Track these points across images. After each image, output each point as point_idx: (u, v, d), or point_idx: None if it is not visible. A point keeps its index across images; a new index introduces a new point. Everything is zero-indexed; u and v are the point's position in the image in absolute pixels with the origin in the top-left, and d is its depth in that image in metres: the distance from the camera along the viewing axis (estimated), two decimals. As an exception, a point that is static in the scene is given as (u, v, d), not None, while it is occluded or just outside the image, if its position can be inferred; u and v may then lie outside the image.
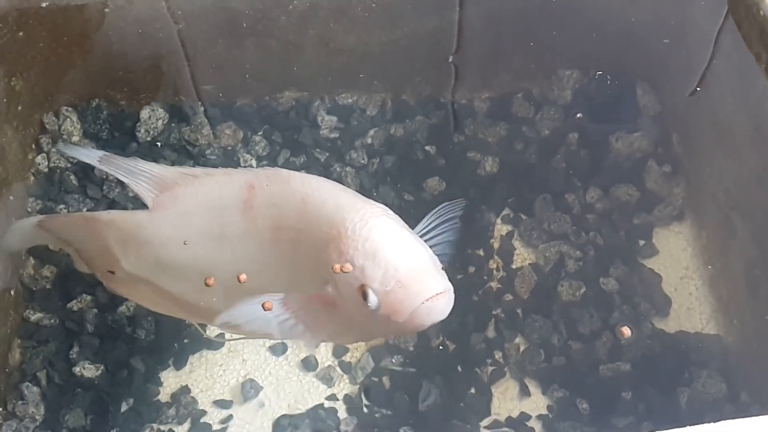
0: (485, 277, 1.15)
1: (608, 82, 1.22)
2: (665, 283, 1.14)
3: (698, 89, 1.15)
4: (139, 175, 0.86)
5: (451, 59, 1.19)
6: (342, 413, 1.06)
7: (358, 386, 1.08)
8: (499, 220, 1.20)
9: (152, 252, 0.87)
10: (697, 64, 1.14)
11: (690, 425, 0.64)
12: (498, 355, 1.09)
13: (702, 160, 1.17)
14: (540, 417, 1.06)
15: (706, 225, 1.17)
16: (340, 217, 0.74)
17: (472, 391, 1.07)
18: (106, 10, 1.15)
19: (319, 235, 0.75)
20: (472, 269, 1.16)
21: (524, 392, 1.07)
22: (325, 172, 1.21)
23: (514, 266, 1.17)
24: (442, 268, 0.75)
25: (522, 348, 1.10)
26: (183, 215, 0.85)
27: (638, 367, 1.07)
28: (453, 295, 0.73)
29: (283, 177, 0.81)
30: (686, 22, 1.15)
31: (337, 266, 0.73)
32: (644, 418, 1.03)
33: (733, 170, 1.10)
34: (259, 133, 1.24)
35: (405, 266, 0.71)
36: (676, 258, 1.17)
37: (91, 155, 0.90)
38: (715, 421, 0.65)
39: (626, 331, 1.05)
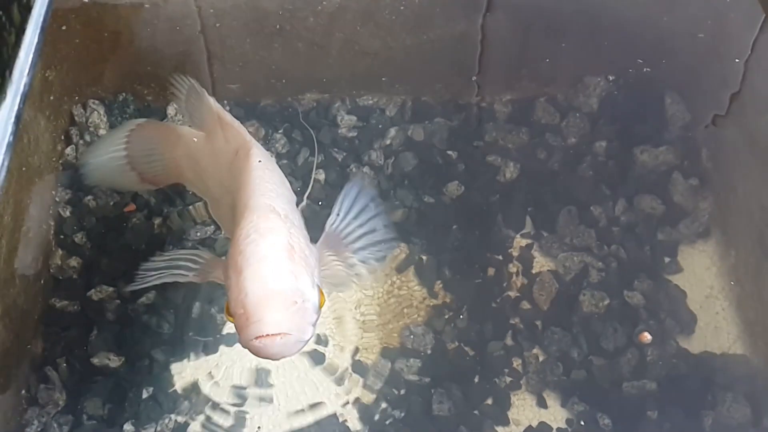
0: (504, 284, 1.12)
1: (634, 89, 1.18)
2: (690, 300, 1.10)
3: (730, 102, 1.11)
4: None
5: (475, 78, 1.17)
6: (353, 416, 1.04)
7: (372, 391, 1.06)
8: (518, 236, 1.17)
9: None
10: (731, 76, 1.10)
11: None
12: (517, 362, 1.06)
13: (734, 176, 1.12)
14: (559, 430, 1.03)
15: (735, 243, 1.12)
16: (239, 213, 0.72)
17: (489, 401, 1.05)
18: (142, 8, 1.15)
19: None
20: (491, 271, 1.13)
21: (542, 404, 1.04)
22: (343, 172, 1.20)
23: (534, 271, 1.13)
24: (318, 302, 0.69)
25: (541, 359, 1.07)
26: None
27: (662, 386, 1.03)
28: (299, 339, 0.66)
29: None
30: (720, 32, 1.11)
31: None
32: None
33: (770, 188, 1.05)
34: (280, 131, 1.24)
35: (252, 295, 0.65)
36: (699, 276, 1.12)
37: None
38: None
39: (646, 336, 1.02)
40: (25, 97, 0.89)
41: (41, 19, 0.94)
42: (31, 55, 0.91)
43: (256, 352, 0.67)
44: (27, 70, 0.90)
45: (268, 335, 0.64)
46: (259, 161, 0.79)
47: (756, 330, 1.05)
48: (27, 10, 0.93)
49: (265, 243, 0.68)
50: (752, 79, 1.08)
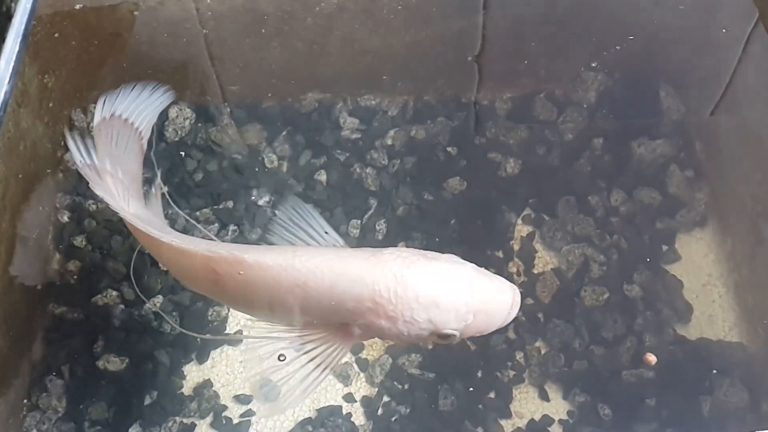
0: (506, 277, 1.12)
1: (630, 83, 1.19)
2: (687, 290, 1.10)
3: (723, 95, 1.12)
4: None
5: (470, 58, 1.17)
6: (358, 413, 1.03)
7: (375, 386, 1.05)
8: (519, 221, 1.16)
9: None
10: (724, 70, 1.11)
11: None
12: (519, 355, 1.06)
13: (727, 166, 1.13)
14: (561, 422, 1.02)
15: (731, 232, 1.12)
16: (368, 290, 0.70)
17: (492, 395, 1.04)
18: (139, 11, 1.14)
19: (342, 313, 0.72)
20: (494, 266, 1.12)
21: (544, 396, 1.04)
22: (346, 172, 1.19)
23: (535, 271, 1.13)
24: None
25: (543, 351, 1.07)
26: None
27: (660, 374, 1.03)
28: (515, 288, 0.73)
29: (250, 265, 0.73)
30: (713, 27, 1.12)
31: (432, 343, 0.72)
32: (666, 426, 0.99)
33: (761, 177, 1.06)
34: (283, 134, 1.23)
35: (470, 297, 0.70)
36: (698, 264, 1.13)
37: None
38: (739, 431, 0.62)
39: (652, 358, 1.02)
40: (6, 105, 0.88)
41: (22, 27, 0.94)
42: (12, 64, 0.91)
43: (510, 316, 0.72)
44: (8, 79, 0.90)
45: (511, 300, 0.71)
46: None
47: (753, 316, 1.06)
48: (7, 18, 0.93)
49: (416, 269, 0.71)
50: (744, 71, 1.10)
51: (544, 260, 1.14)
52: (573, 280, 1.11)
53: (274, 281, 0.72)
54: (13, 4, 1.00)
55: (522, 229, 1.16)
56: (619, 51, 1.18)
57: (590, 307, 1.08)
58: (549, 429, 1.02)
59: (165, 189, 1.09)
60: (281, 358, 0.93)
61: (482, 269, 0.73)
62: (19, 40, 0.94)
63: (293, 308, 0.73)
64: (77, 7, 1.12)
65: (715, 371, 1.02)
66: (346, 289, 0.71)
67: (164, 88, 0.88)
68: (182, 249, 0.75)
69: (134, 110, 0.87)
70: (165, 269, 1.09)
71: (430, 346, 0.99)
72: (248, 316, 0.87)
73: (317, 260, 0.72)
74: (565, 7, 1.15)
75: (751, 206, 1.08)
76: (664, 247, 1.14)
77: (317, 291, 0.71)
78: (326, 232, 0.79)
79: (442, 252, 0.74)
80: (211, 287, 0.77)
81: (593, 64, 1.19)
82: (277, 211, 0.80)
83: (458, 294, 0.70)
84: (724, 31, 1.09)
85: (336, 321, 0.74)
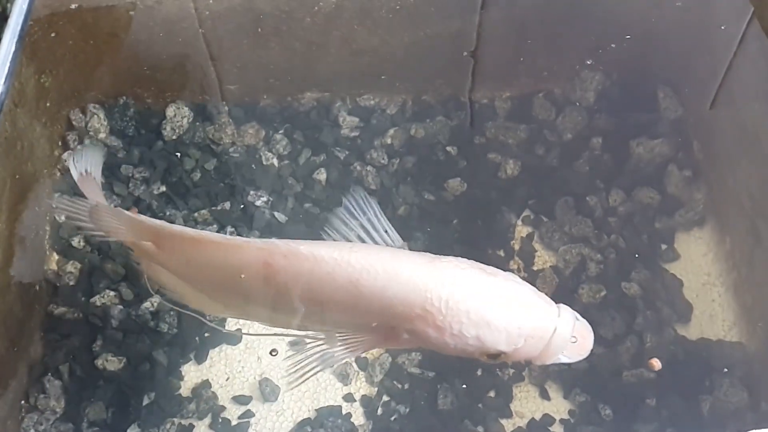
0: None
1: (628, 83, 1.19)
2: (687, 289, 1.10)
3: (720, 95, 1.12)
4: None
5: (465, 53, 1.16)
6: (357, 412, 1.03)
7: (375, 386, 1.05)
8: (519, 221, 1.16)
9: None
10: (721, 69, 1.11)
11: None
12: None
13: (725, 166, 1.13)
14: (562, 421, 1.02)
15: (730, 231, 1.12)
16: (419, 296, 0.68)
17: (492, 394, 1.04)
18: (136, 10, 1.14)
19: (390, 316, 0.69)
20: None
21: (544, 396, 1.04)
22: (345, 170, 1.19)
23: (535, 268, 1.13)
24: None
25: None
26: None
27: (661, 374, 1.02)
28: (582, 321, 0.70)
29: (305, 256, 0.71)
30: (710, 26, 1.12)
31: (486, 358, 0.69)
32: (667, 426, 0.99)
33: (759, 177, 1.06)
34: (281, 132, 1.22)
35: (527, 322, 0.67)
36: (697, 263, 1.13)
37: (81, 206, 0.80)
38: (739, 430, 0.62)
39: (656, 363, 1.01)
40: (3, 105, 0.88)
41: (18, 27, 0.94)
42: (8, 64, 0.91)
43: (578, 354, 0.69)
44: (3, 79, 0.90)
45: (575, 336, 0.68)
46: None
47: (752, 315, 1.06)
48: (3, 19, 0.93)
49: (473, 284, 0.69)
50: (740, 71, 1.09)
51: (543, 259, 1.14)
52: (570, 278, 1.10)
53: (328, 276, 0.70)
54: (9, 5, 1.00)
55: (522, 230, 1.16)
56: (618, 50, 1.17)
57: (588, 304, 1.08)
58: (550, 428, 1.01)
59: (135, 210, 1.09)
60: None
61: (544, 294, 0.70)
62: (15, 40, 0.94)
63: (343, 307, 0.71)
64: (74, 6, 1.11)
65: (725, 370, 1.02)
66: (397, 292, 0.68)
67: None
68: (230, 243, 0.73)
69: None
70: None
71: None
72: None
73: (373, 258, 0.70)
74: (563, 7, 1.15)
75: (750, 205, 1.07)
76: (663, 247, 1.13)
77: (369, 290, 0.69)
78: (386, 231, 0.76)
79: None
80: (254, 286, 0.73)
81: (588, 62, 1.19)
82: (343, 201, 0.77)
83: (512, 315, 0.67)
84: (722, 28, 1.08)
85: (383, 325, 0.71)
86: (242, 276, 0.73)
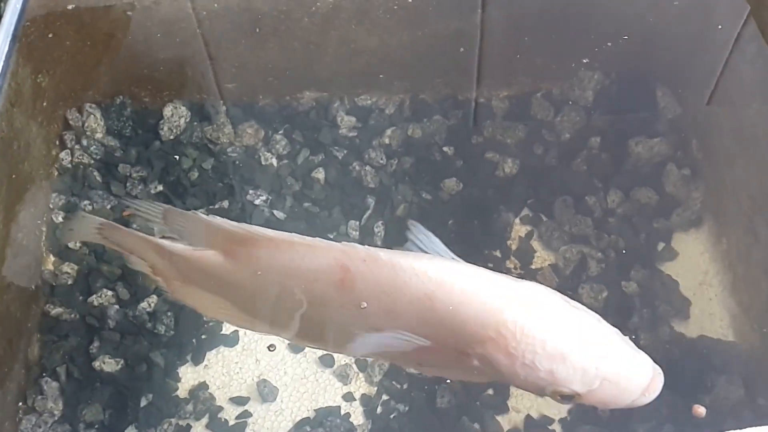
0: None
1: (627, 82, 1.19)
2: (684, 288, 1.09)
3: (718, 94, 1.12)
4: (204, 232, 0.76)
5: (462, 49, 1.15)
6: (357, 412, 1.03)
7: (374, 385, 1.04)
8: (518, 221, 1.16)
9: (218, 289, 0.78)
10: (719, 69, 1.11)
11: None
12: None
13: (723, 165, 1.13)
14: (560, 420, 1.02)
15: (727, 230, 1.12)
16: (494, 318, 0.64)
17: (490, 392, 1.03)
18: (133, 11, 1.13)
19: (462, 336, 0.66)
20: (492, 263, 1.12)
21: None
22: (344, 169, 1.18)
23: (533, 267, 1.13)
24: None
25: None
26: (263, 275, 0.74)
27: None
28: (659, 371, 0.67)
29: (384, 263, 0.68)
30: (707, 26, 1.12)
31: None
32: (664, 423, 0.99)
33: (756, 176, 1.06)
34: (280, 132, 1.22)
35: (603, 362, 0.63)
36: (694, 262, 1.13)
37: (154, 210, 0.81)
38: (737, 428, 0.62)
39: (700, 410, 1.00)
40: None
41: (12, 28, 0.94)
42: (1, 64, 0.90)
43: (641, 401, 0.65)
44: None
45: (650, 385, 0.65)
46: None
47: (749, 314, 1.06)
48: None
49: (555, 314, 0.65)
50: (738, 70, 1.10)
51: (542, 258, 1.14)
52: (571, 278, 1.10)
53: (404, 285, 0.67)
54: (2, 5, 1.00)
55: (520, 229, 1.16)
56: (617, 50, 1.18)
57: (587, 304, 1.08)
58: (549, 427, 1.01)
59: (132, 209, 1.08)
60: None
61: (627, 338, 0.67)
62: (9, 40, 0.94)
63: (415, 321, 0.67)
64: (70, 7, 1.11)
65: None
66: (472, 311, 0.65)
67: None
68: (307, 243, 0.70)
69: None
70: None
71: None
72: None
73: (451, 273, 0.67)
74: (561, 6, 1.15)
75: (747, 204, 1.08)
76: (661, 244, 1.13)
77: (443, 305, 0.65)
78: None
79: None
80: (326, 293, 0.70)
81: (587, 61, 1.19)
82: (408, 239, 0.75)
83: (591, 354, 0.63)
84: (719, 27, 1.09)
85: (452, 346, 0.67)
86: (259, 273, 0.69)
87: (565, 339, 0.63)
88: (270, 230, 0.73)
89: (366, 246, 0.71)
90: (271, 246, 0.72)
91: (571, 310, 0.66)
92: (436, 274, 0.67)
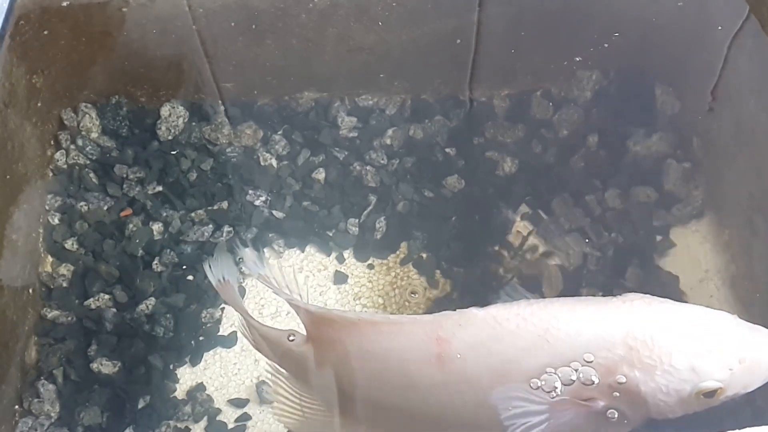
0: (502, 271, 1.10)
1: (625, 81, 1.18)
2: (683, 284, 1.09)
3: (718, 91, 1.12)
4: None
5: (458, 41, 1.14)
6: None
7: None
8: (518, 218, 1.15)
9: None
10: (718, 65, 1.11)
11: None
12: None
13: (723, 162, 1.13)
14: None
15: (727, 226, 1.12)
16: (619, 332, 0.62)
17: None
18: (129, 8, 1.12)
19: (588, 363, 0.63)
20: (492, 262, 1.11)
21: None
22: (345, 170, 1.17)
23: (534, 260, 1.12)
24: None
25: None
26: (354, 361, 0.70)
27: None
28: None
29: (482, 319, 0.65)
30: (706, 23, 1.12)
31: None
32: (664, 424, 0.98)
33: (756, 173, 1.06)
34: (279, 133, 1.21)
35: (735, 342, 0.63)
36: (695, 258, 1.12)
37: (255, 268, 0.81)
38: (737, 428, 0.61)
39: None
40: None
41: None
42: None
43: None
44: None
45: None
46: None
47: (750, 310, 1.05)
48: None
49: (672, 312, 0.65)
50: (737, 67, 1.09)
51: (542, 253, 1.13)
52: (571, 273, 1.10)
53: (514, 334, 0.63)
54: (-11, 6, 0.98)
55: (519, 226, 1.15)
56: (615, 48, 1.17)
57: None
58: (550, 427, 1.01)
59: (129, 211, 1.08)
60: (291, 339, 0.86)
61: (736, 316, 0.67)
62: (-3, 40, 0.92)
63: (535, 367, 0.63)
64: (65, 4, 1.09)
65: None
66: (593, 333, 0.62)
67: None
68: (399, 322, 0.66)
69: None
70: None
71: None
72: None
73: (556, 306, 0.64)
74: (560, 5, 1.15)
75: (747, 201, 1.07)
76: (659, 237, 1.13)
77: (562, 338, 0.62)
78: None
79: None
80: (423, 373, 0.65)
81: (586, 60, 1.18)
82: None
83: (718, 338, 0.63)
84: (719, 28, 1.08)
85: (580, 389, 0.63)
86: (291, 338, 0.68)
87: (689, 332, 0.63)
88: (349, 312, 0.71)
89: (456, 310, 0.67)
90: (353, 330, 0.68)
91: (679, 306, 0.66)
92: (543, 311, 0.64)
